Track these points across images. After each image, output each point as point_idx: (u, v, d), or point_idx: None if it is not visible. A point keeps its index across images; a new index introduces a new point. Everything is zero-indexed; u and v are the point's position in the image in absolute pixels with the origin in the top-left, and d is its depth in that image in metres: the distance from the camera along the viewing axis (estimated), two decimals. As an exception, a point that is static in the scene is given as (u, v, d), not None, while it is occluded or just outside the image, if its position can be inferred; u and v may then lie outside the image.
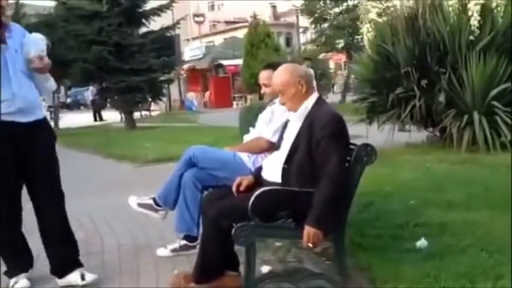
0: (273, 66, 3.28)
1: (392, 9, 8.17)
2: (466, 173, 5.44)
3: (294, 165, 2.65)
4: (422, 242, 3.28)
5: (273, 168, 2.76)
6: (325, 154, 2.54)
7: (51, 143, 3.14)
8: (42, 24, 19.33)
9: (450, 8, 7.12)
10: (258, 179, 2.86)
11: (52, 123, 20.70)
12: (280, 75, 2.79)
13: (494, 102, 6.67)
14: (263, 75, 3.64)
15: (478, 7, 6.82)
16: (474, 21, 6.80)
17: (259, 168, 2.95)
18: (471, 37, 6.84)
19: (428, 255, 3.12)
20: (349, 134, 2.73)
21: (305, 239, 2.47)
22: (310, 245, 2.48)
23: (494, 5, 7.00)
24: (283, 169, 2.68)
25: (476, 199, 4.25)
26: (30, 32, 3.11)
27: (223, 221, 2.58)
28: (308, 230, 2.46)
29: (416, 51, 7.16)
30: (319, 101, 2.77)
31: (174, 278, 2.91)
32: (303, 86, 2.73)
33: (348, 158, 2.64)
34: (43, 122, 3.11)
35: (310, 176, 2.57)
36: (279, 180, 2.69)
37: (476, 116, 6.66)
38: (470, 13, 6.85)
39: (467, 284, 2.67)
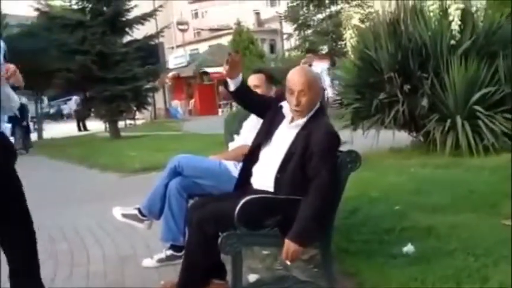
0: (264, 72, 3.29)
1: (374, 15, 8.24)
2: (450, 176, 5.48)
3: (287, 174, 2.58)
4: (408, 248, 3.28)
5: (264, 177, 2.67)
6: (316, 169, 2.50)
7: (6, 162, 2.59)
8: (25, 34, 19.19)
9: (431, 13, 7.20)
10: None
11: (36, 134, 20.60)
12: (307, 76, 2.66)
13: (476, 107, 6.73)
14: (254, 78, 3.61)
15: (458, 12, 6.90)
16: (455, 26, 6.87)
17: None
18: (452, 41, 6.91)
19: (415, 259, 3.13)
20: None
21: (284, 254, 2.45)
22: (288, 262, 2.45)
23: (474, 9, 7.10)
24: (276, 178, 2.61)
25: (460, 202, 4.28)
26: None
27: (208, 227, 2.51)
28: (288, 245, 2.42)
29: (398, 56, 7.20)
30: (319, 111, 2.71)
31: (160, 289, 2.89)
32: (320, 97, 2.72)
33: (333, 166, 2.62)
34: None
35: (301, 187, 2.51)
36: (270, 189, 2.62)
37: (459, 120, 6.72)
38: (451, 18, 6.92)
39: (454, 287, 2.68)
